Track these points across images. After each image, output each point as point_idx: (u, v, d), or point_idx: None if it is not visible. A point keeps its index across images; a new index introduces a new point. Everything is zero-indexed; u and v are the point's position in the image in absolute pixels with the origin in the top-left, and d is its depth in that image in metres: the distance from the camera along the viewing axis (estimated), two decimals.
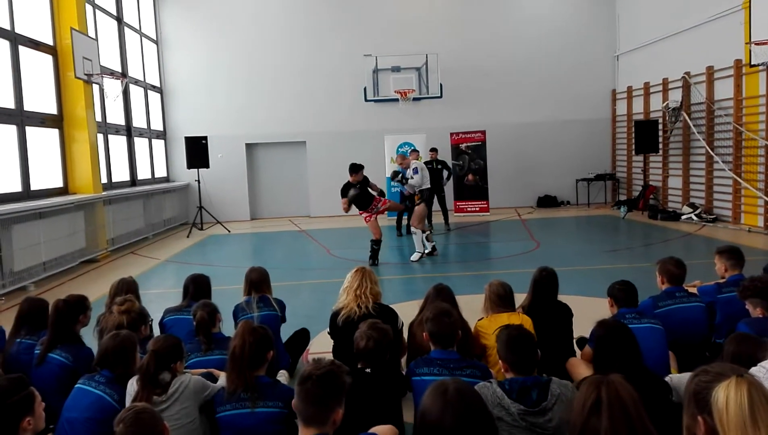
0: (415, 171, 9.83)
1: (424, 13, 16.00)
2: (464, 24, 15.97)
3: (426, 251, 9.55)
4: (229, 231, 13.85)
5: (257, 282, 4.64)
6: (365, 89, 14.81)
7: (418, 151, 11.99)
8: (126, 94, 13.10)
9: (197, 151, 13.74)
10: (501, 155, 15.61)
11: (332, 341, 4.37)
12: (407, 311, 4.59)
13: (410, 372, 3.21)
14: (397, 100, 14.47)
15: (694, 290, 4.69)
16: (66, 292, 4.69)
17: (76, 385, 3.29)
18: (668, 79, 13.68)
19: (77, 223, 10.00)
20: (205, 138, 13.90)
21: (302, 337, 4.98)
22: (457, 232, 12.58)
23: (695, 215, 12.40)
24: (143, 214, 12.96)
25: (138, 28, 14.51)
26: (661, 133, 13.76)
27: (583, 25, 16.24)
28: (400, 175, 9.88)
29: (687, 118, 12.77)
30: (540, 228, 12.62)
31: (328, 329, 4.39)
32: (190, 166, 13.84)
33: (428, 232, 9.68)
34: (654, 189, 14.47)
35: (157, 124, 15.46)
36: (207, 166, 13.90)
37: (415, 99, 14.74)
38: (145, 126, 14.61)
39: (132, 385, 3.14)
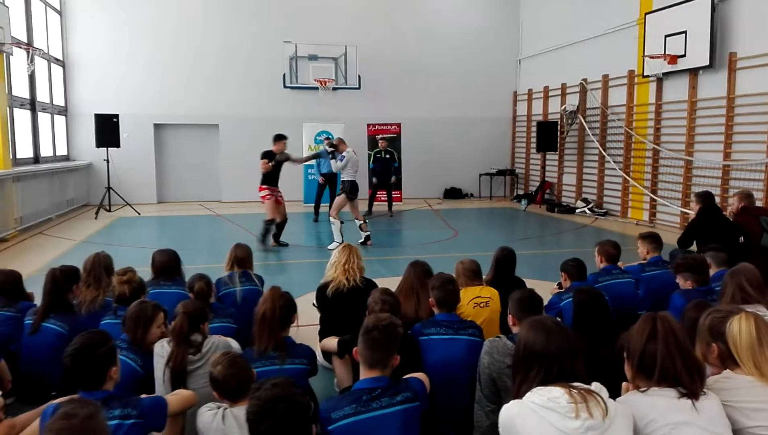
0: (342, 159, 9.93)
1: (345, 3, 16.24)
2: (384, 19, 16.38)
3: (360, 241, 9.59)
4: (139, 213, 13.45)
5: (242, 258, 4.84)
6: (284, 76, 14.89)
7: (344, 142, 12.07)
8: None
9: (107, 130, 13.20)
10: (413, 148, 16.19)
11: (317, 313, 4.67)
12: None
13: (417, 333, 3.60)
14: (316, 88, 14.67)
15: None
16: None
17: None
18: (566, 84, 14.92)
19: None
20: (117, 116, 13.38)
21: None
22: (378, 219, 13.02)
23: (588, 209, 13.70)
24: (48, 194, 12.30)
25: None
26: (558, 133, 15.01)
27: (490, 31, 17.20)
28: (331, 154, 10.05)
29: (583, 120, 14.03)
30: (452, 218, 13.38)
31: (314, 301, 4.67)
32: (99, 144, 13.27)
33: (362, 223, 9.71)
34: (550, 184, 15.76)
35: (58, 100, 14.62)
36: (118, 145, 13.40)
37: (333, 89, 15.01)
38: (48, 101, 13.79)
39: (163, 347, 3.30)
